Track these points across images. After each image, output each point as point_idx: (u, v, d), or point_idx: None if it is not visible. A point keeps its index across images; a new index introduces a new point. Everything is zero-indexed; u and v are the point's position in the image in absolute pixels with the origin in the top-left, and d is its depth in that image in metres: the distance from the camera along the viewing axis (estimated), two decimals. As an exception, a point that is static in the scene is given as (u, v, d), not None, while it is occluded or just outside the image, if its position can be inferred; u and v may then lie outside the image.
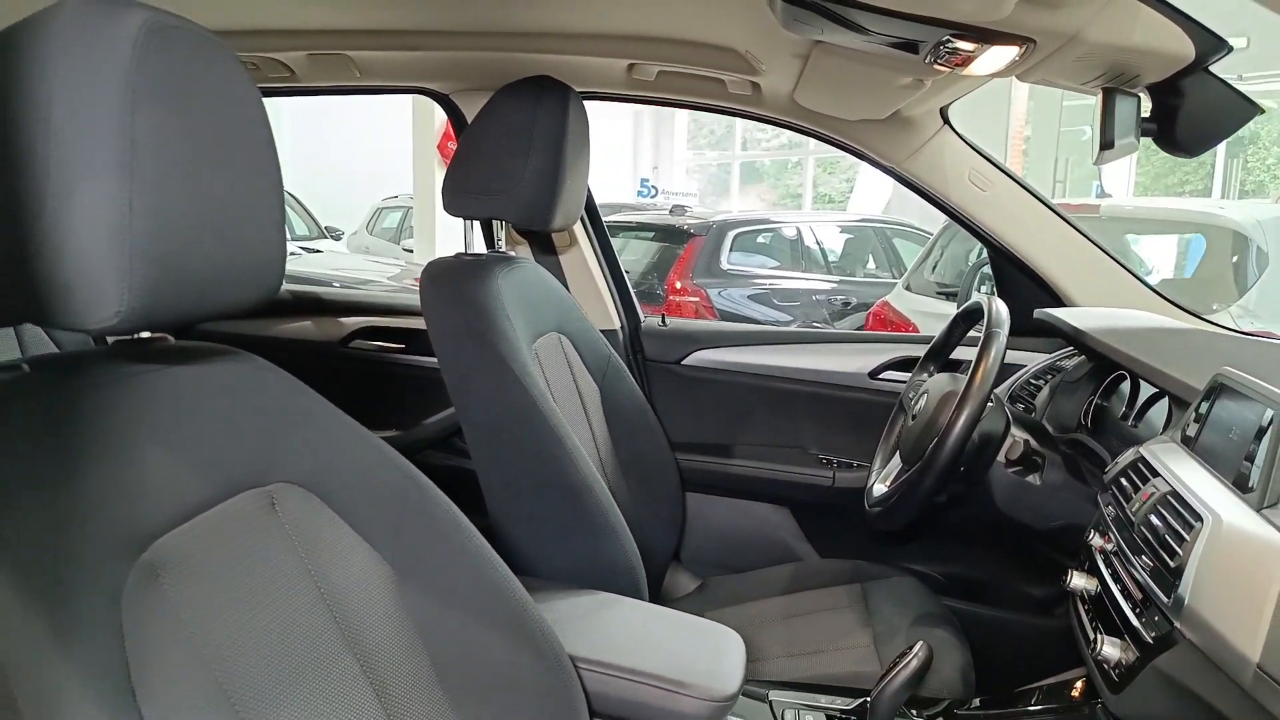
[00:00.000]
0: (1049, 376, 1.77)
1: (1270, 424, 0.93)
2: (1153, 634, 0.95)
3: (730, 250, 6.20)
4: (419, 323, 2.22)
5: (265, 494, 0.86)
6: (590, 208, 2.02)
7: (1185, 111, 1.06)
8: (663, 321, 2.15)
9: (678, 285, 5.98)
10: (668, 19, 1.57)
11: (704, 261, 6.06)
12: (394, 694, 0.90)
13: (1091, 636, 1.08)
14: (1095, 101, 1.26)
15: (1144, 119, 1.13)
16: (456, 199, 1.53)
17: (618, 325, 2.07)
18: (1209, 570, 0.87)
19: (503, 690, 0.98)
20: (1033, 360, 1.84)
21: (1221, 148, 8.89)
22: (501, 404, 1.37)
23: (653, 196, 10.69)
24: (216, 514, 0.79)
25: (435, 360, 2.03)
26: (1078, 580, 1.18)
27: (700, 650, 1.19)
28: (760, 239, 6.68)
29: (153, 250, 0.66)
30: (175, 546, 0.74)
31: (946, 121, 1.82)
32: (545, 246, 2.03)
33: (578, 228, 2.03)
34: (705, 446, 2.04)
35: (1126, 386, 1.50)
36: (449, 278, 1.45)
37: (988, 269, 3.27)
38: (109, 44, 0.64)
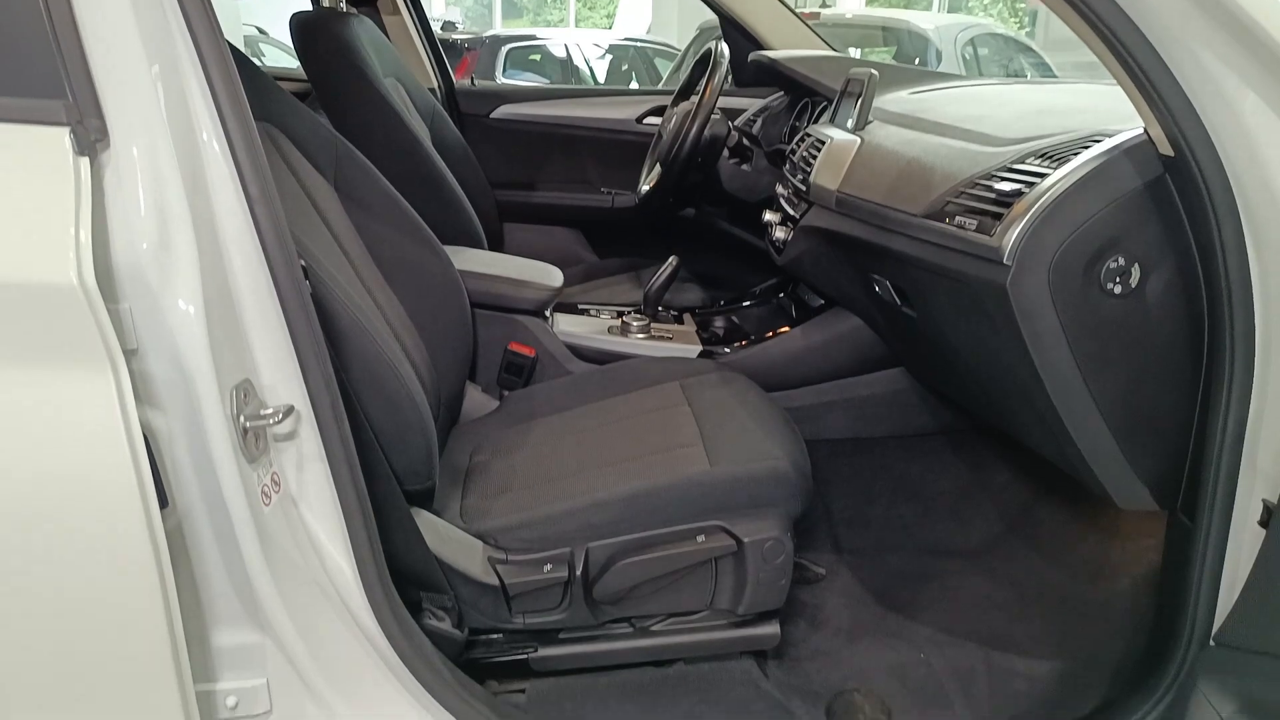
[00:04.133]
0: (764, 113, 2.45)
1: (861, 90, 1.62)
2: (799, 211, 1.65)
3: (504, 65, 6.53)
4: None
5: (265, 127, 1.33)
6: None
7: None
8: (472, 83, 2.63)
9: (455, 99, 6.27)
10: None
11: (479, 76, 6.37)
12: (356, 264, 1.43)
13: (770, 229, 1.78)
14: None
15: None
16: None
17: (436, 84, 2.53)
18: (823, 162, 1.56)
19: (415, 275, 1.53)
20: (752, 104, 2.51)
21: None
22: (369, 111, 1.85)
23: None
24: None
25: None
26: (768, 215, 1.88)
27: (533, 269, 1.80)
28: (532, 56, 7.03)
29: None
30: None
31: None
32: (372, 13, 2.43)
33: (399, -1, 2.44)
34: (516, 184, 2.59)
35: (810, 110, 2.19)
36: (317, 23, 1.88)
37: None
38: None
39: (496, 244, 2.50)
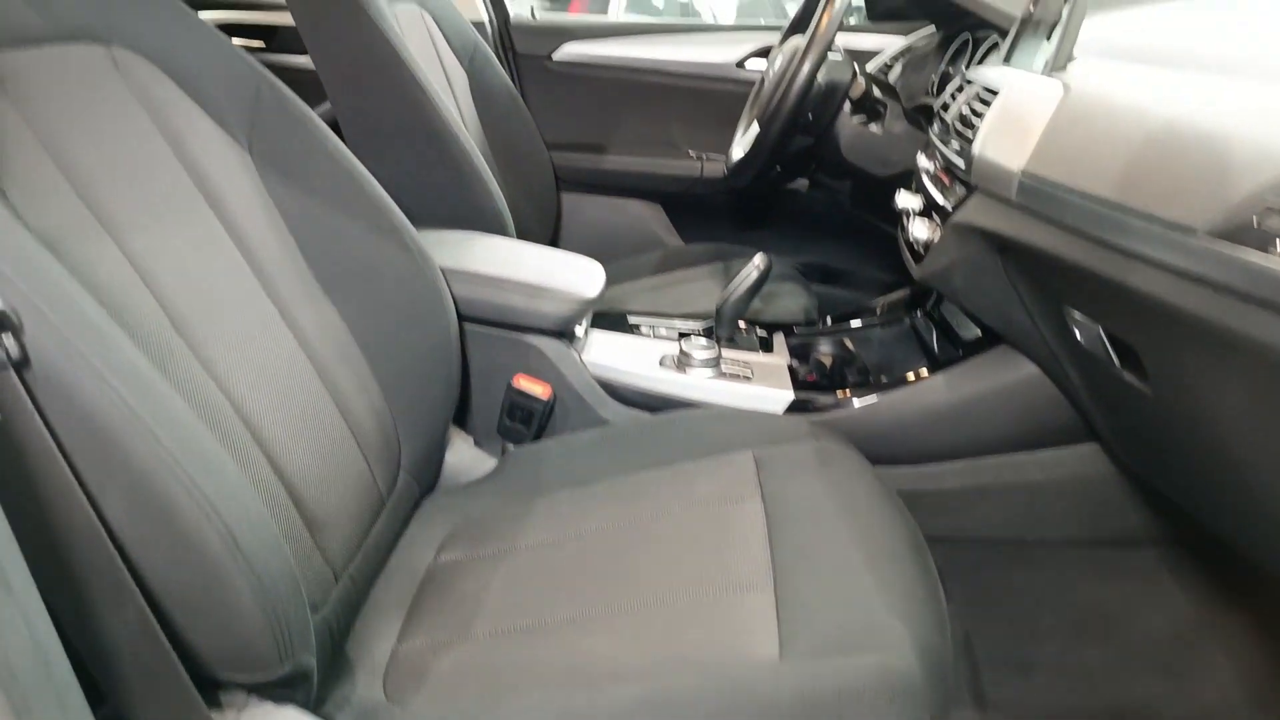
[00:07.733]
0: (905, 56, 1.84)
1: (1065, 14, 1.03)
2: (952, 200, 1.07)
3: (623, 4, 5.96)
4: (278, 18, 2.14)
5: (106, 52, 0.86)
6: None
7: None
8: (532, 14, 2.12)
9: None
10: None
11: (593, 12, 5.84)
12: (266, 269, 0.95)
13: (906, 222, 1.21)
14: None
15: None
16: None
17: (486, 18, 2.03)
18: (997, 122, 0.98)
19: (371, 279, 1.04)
20: (890, 44, 1.90)
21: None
22: (358, 47, 1.36)
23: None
24: (57, 52, 0.81)
25: (296, 58, 1.94)
26: (903, 199, 1.30)
27: (563, 268, 1.28)
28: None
29: None
30: (15, 64, 0.75)
31: None
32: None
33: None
34: (579, 145, 2.07)
35: (969, 50, 1.58)
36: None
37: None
38: None
39: (552, 221, 2.00)
